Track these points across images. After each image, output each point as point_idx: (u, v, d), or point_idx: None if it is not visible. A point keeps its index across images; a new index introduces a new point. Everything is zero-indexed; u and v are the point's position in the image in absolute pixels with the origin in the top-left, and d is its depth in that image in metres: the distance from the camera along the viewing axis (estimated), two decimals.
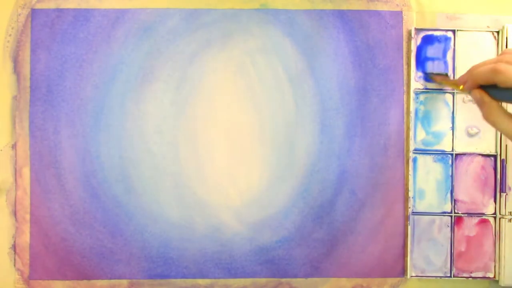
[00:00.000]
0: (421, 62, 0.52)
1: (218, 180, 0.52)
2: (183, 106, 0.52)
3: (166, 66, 0.52)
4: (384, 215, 0.52)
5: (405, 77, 0.52)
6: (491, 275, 0.51)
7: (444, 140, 0.52)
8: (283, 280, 0.52)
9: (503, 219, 0.51)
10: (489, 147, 0.52)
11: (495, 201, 0.51)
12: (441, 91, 0.52)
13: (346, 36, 0.52)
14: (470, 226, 0.51)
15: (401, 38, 0.52)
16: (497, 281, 0.51)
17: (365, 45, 0.52)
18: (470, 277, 0.51)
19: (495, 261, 0.51)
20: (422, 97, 0.52)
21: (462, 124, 0.52)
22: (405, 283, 0.52)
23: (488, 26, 0.52)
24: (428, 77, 0.51)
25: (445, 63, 0.52)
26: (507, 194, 0.51)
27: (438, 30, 0.52)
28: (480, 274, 0.51)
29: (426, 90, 0.52)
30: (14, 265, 0.51)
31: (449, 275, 0.51)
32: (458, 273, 0.51)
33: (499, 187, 0.51)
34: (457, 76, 0.51)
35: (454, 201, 0.51)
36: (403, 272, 0.52)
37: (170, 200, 0.52)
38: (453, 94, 0.52)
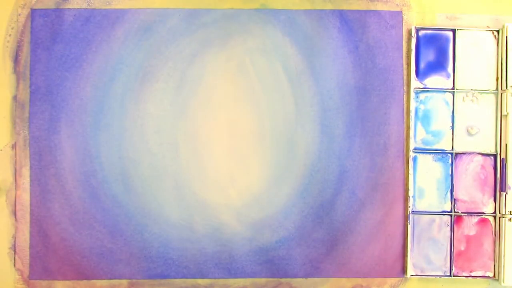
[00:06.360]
0: (420, 61, 0.52)
1: (218, 180, 0.52)
2: (183, 106, 0.52)
3: (166, 66, 0.52)
4: (384, 215, 0.52)
5: (405, 77, 0.52)
6: (491, 274, 0.52)
7: (444, 139, 0.52)
8: (283, 280, 0.52)
9: (503, 218, 0.51)
10: (489, 146, 0.52)
11: (495, 200, 0.52)
12: (441, 90, 0.52)
13: (346, 36, 0.52)
14: (469, 225, 0.52)
15: (401, 38, 0.52)
16: (497, 280, 0.51)
17: (365, 45, 0.52)
18: (470, 276, 0.51)
19: (494, 260, 0.51)
20: (422, 96, 0.52)
21: (462, 123, 0.52)
22: (405, 283, 0.52)
23: (488, 26, 0.52)
24: None
25: (445, 62, 0.52)
26: (507, 193, 0.51)
27: (438, 29, 0.52)
28: (479, 273, 0.52)
29: (426, 90, 0.52)
30: (14, 265, 0.51)
31: (448, 274, 0.51)
32: (457, 272, 0.51)
33: (499, 186, 0.51)
34: (457, 76, 0.51)
35: (454, 200, 0.52)
36: (403, 271, 0.52)
37: (170, 200, 0.52)
38: (453, 93, 0.52)
